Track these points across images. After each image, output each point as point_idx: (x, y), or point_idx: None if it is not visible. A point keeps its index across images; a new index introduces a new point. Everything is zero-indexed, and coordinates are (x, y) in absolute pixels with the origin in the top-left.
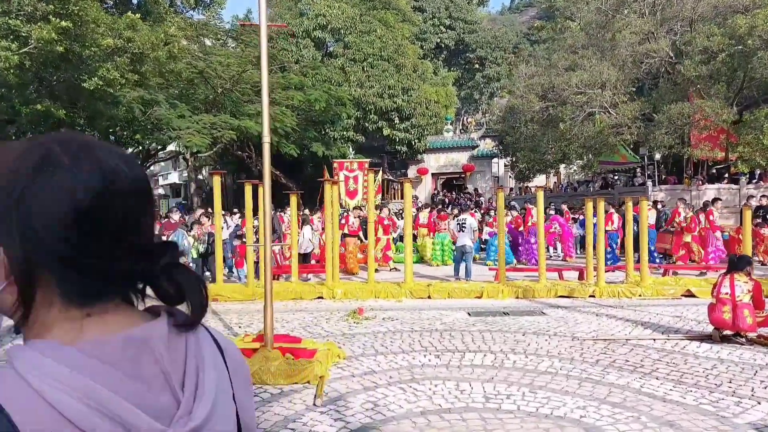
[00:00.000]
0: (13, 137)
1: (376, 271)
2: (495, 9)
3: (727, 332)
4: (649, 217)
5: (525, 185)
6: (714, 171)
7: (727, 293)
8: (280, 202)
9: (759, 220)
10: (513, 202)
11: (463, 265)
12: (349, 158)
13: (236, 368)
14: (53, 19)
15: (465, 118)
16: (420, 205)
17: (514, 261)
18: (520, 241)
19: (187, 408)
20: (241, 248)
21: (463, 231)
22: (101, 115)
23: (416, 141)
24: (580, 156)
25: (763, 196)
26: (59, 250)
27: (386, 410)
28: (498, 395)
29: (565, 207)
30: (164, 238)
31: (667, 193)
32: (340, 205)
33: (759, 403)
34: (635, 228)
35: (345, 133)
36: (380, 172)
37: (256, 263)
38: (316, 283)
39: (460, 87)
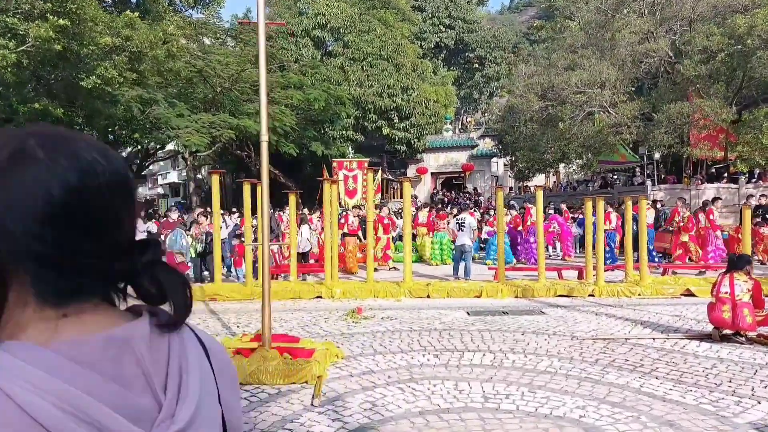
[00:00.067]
0: None
1: (376, 270)
2: (494, 8)
3: (727, 331)
4: (648, 216)
5: (524, 184)
6: (713, 170)
7: (726, 292)
8: (279, 201)
9: (758, 219)
10: (512, 202)
11: (462, 265)
12: (349, 157)
13: (222, 368)
14: (51, 17)
15: (464, 117)
16: (419, 204)
17: (514, 260)
18: (519, 240)
19: (170, 410)
20: (240, 248)
21: (462, 230)
22: (99, 114)
23: (415, 140)
24: (579, 155)
25: (763, 195)
26: (33, 247)
27: (384, 410)
28: (497, 395)
29: (564, 206)
30: (162, 237)
31: (667, 192)
32: (340, 204)
33: (759, 403)
34: (634, 227)
35: (344, 132)
36: (379, 171)
37: (255, 262)
38: (315, 282)
39: (460, 86)
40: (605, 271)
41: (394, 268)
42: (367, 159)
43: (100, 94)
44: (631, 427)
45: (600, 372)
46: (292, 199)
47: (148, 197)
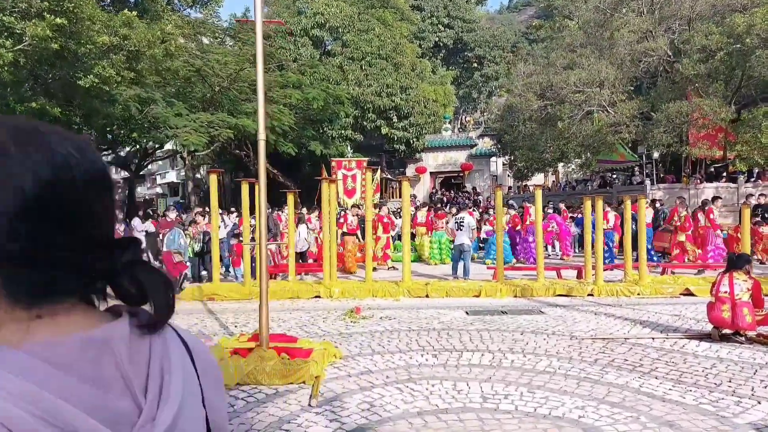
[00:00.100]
0: None
1: (374, 269)
2: (493, 8)
3: (727, 331)
4: (646, 215)
5: (523, 184)
6: (712, 170)
7: (726, 292)
8: (277, 201)
9: (759, 218)
10: (511, 201)
11: (461, 264)
12: (348, 157)
13: (206, 369)
14: (48, 15)
15: (463, 116)
16: (418, 204)
17: (513, 260)
18: (517, 240)
19: (151, 414)
20: (238, 247)
21: (461, 230)
22: (97, 113)
23: (414, 140)
24: (578, 155)
25: (762, 194)
26: (4, 245)
27: (382, 411)
28: (496, 395)
29: (562, 206)
30: (161, 236)
31: (666, 191)
32: (338, 204)
33: (759, 403)
34: (633, 227)
35: (343, 131)
36: (378, 170)
37: (253, 262)
38: (313, 282)
39: (459, 86)
40: (604, 270)
41: (393, 267)
42: (366, 158)
43: (97, 93)
44: (630, 428)
45: (599, 372)
46: (291, 198)
47: (147, 197)
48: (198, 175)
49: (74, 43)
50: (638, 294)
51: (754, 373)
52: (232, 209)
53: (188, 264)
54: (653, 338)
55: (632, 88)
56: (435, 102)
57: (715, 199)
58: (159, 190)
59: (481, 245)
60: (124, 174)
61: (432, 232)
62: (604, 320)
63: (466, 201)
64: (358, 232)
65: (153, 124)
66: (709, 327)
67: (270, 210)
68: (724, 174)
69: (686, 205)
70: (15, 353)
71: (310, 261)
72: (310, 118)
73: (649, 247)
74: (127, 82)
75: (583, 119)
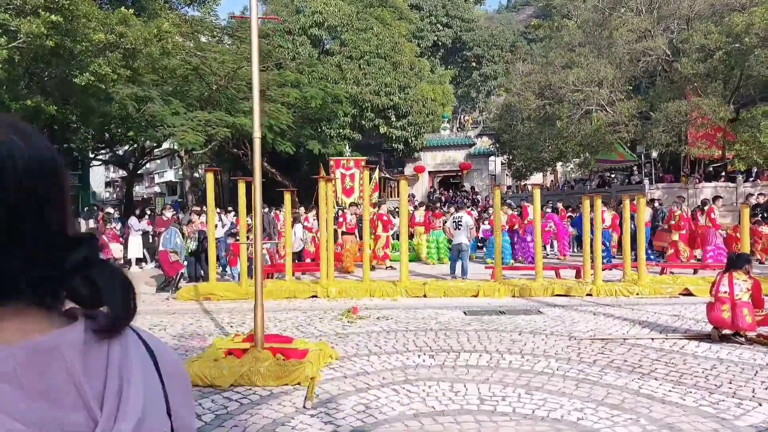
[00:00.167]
0: None
1: (374, 269)
2: (492, 7)
3: (727, 331)
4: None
5: (522, 183)
6: (711, 169)
7: (726, 292)
8: (275, 200)
9: (759, 218)
10: (509, 201)
11: (459, 264)
12: (346, 156)
13: (172, 375)
14: (43, 12)
15: (462, 116)
16: (416, 203)
17: (512, 261)
18: (515, 239)
19: (107, 427)
20: (235, 246)
21: (459, 229)
22: (94, 112)
23: (413, 139)
24: (577, 154)
25: (761, 194)
26: None
27: (378, 413)
28: (493, 397)
29: (560, 205)
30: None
31: (664, 191)
32: (336, 203)
33: (760, 405)
34: (632, 226)
35: (341, 130)
36: (377, 169)
37: (250, 262)
38: (310, 281)
39: (457, 85)
40: (602, 270)
41: (391, 267)
42: (365, 157)
43: (94, 91)
44: (630, 430)
45: (598, 373)
46: (287, 197)
47: (145, 196)
48: (196, 174)
49: (70, 41)
50: (637, 294)
51: (755, 375)
52: (230, 208)
53: (185, 263)
54: (652, 339)
55: (631, 88)
56: (433, 101)
57: (716, 198)
58: (157, 189)
59: (479, 245)
60: (122, 173)
61: (429, 232)
62: (603, 320)
63: (465, 200)
64: (356, 231)
65: (150, 123)
66: (708, 327)
67: (268, 209)
68: (723, 173)
69: (680, 204)
70: None
71: (308, 260)
72: (309, 117)
73: (647, 247)
74: (124, 80)
75: (582, 118)
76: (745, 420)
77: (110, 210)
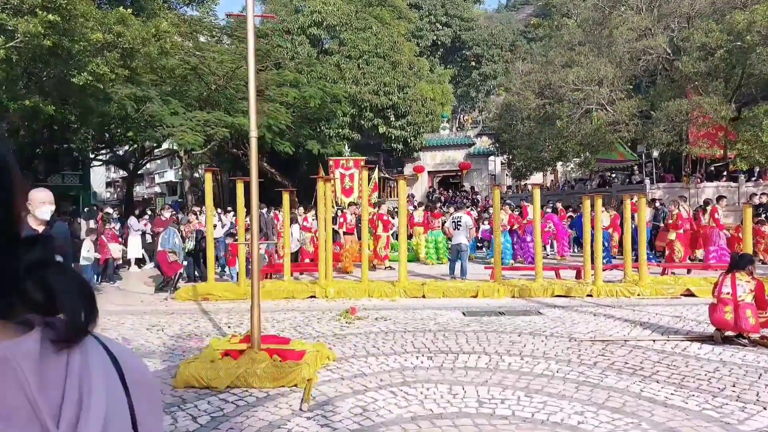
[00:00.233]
0: (6, 134)
1: (374, 269)
2: (491, 6)
3: (729, 333)
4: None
5: (522, 183)
6: (712, 169)
7: (728, 293)
8: (275, 200)
9: (761, 218)
10: (509, 201)
11: (458, 264)
12: (345, 156)
13: (137, 384)
14: (40, 12)
15: (461, 115)
16: (416, 203)
17: (511, 261)
18: (514, 239)
19: None
20: (234, 247)
21: (458, 229)
22: (92, 112)
23: (412, 139)
24: (577, 154)
25: (763, 193)
26: None
27: (375, 416)
28: (492, 399)
29: (560, 206)
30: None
31: (665, 191)
32: (336, 203)
33: (765, 409)
34: (633, 225)
35: (340, 130)
36: (376, 169)
37: (248, 262)
38: (309, 281)
39: (457, 84)
40: (603, 270)
41: (390, 267)
42: (364, 157)
43: (92, 91)
44: None
45: (599, 375)
46: (286, 197)
47: (146, 196)
48: (195, 174)
49: (68, 40)
50: (638, 295)
51: (759, 377)
52: (229, 208)
53: (184, 263)
54: (654, 340)
55: (631, 87)
56: (433, 101)
57: (720, 198)
58: (157, 189)
59: (479, 245)
60: (123, 173)
61: (428, 232)
62: (604, 321)
63: (464, 200)
64: (356, 231)
65: (149, 123)
66: (710, 329)
67: (267, 209)
68: (725, 173)
69: (678, 203)
70: None
71: (306, 261)
72: (308, 116)
73: (648, 248)
74: (122, 80)
75: (582, 118)
76: (749, 424)
77: (109, 210)
